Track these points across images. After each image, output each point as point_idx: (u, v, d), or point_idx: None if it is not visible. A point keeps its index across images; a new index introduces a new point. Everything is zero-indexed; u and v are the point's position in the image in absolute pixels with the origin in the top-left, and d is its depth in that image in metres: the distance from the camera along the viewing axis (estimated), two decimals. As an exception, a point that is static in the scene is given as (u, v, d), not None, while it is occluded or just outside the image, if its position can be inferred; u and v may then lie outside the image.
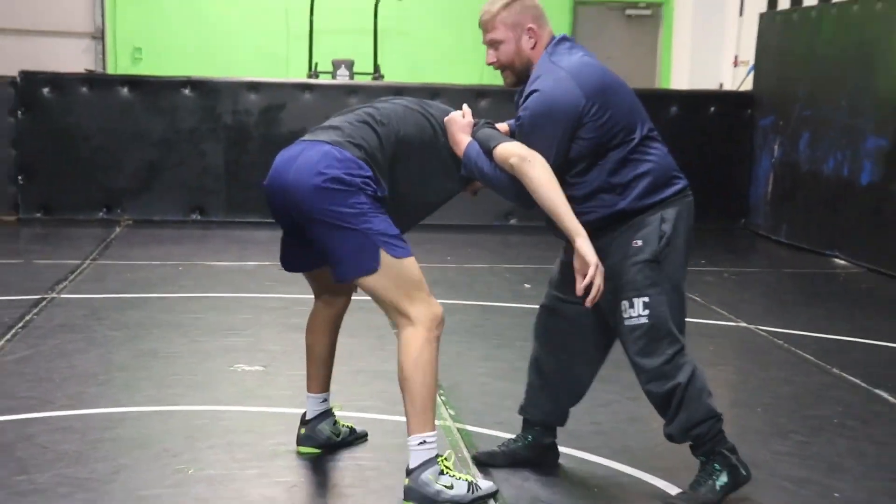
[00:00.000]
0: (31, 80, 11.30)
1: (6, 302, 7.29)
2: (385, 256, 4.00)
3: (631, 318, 4.08)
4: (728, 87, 13.87)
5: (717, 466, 4.15)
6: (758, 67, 12.12)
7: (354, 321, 7.07)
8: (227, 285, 8.30)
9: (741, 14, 13.86)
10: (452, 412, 5.16)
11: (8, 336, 6.43)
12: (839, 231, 10.20)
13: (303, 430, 4.63)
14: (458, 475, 4.08)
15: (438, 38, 15.20)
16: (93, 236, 10.28)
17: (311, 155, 4.05)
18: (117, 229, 10.90)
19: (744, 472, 4.19)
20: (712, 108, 12.13)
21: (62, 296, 7.58)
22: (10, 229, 10.75)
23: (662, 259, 4.06)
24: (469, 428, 4.94)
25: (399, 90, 12.04)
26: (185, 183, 11.56)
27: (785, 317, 7.63)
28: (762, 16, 12.20)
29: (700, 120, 12.03)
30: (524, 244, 10.76)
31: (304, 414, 4.65)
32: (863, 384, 5.94)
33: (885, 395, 5.76)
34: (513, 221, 11.84)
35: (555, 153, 4.02)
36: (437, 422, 4.76)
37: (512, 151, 4.04)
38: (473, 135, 4.24)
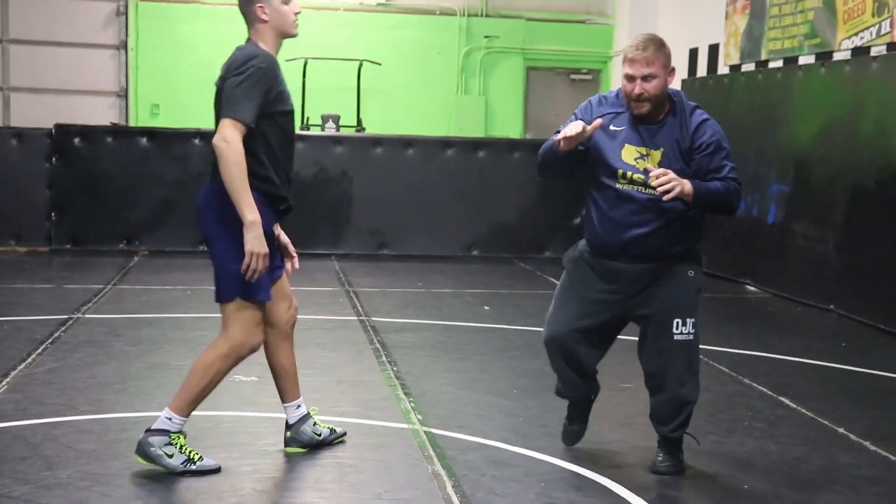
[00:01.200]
0: (64, 132, 11.22)
1: (38, 321, 7.19)
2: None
3: (682, 333, 4.23)
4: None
5: (681, 448, 4.41)
6: (681, 124, 12.16)
7: (336, 338, 7.07)
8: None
9: (667, 79, 13.93)
10: (420, 417, 5.11)
11: (39, 350, 6.34)
12: (750, 262, 10.24)
13: (288, 434, 4.57)
14: (183, 452, 4.15)
15: (412, 97, 15.22)
16: (114, 264, 10.18)
17: None
18: (135, 258, 10.81)
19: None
20: (643, 158, 12.16)
21: (86, 315, 7.49)
22: (44, 258, 10.64)
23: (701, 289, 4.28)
24: (434, 431, 4.89)
25: (378, 140, 12.05)
26: (193, 219, 11.43)
27: (704, 335, 7.58)
28: (683, 81, 12.29)
29: (632, 168, 12.05)
30: (483, 272, 10.75)
31: (287, 420, 4.58)
32: (769, 392, 5.94)
33: (787, 401, 5.76)
34: (475, 252, 11.85)
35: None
36: (406, 426, 4.73)
37: (222, 131, 4.03)
38: None
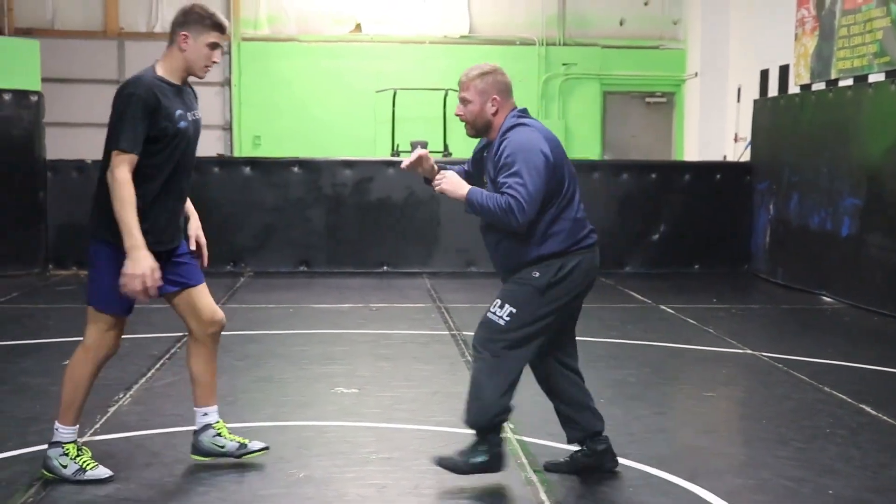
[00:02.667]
0: (174, 163, 11.49)
1: (155, 338, 7.35)
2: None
3: (493, 313, 4.11)
4: (730, 158, 13.71)
5: (481, 447, 4.11)
6: (754, 142, 11.98)
7: (430, 352, 7.08)
8: (328, 323, 8.31)
9: (739, 100, 13.74)
10: (512, 426, 5.08)
11: (157, 365, 6.48)
12: (825, 274, 9.99)
13: (192, 441, 4.46)
14: (76, 461, 4.17)
15: (495, 123, 15.22)
16: (222, 286, 10.36)
17: None
18: (241, 279, 10.99)
19: (499, 464, 4.12)
20: (718, 176, 11.98)
21: (199, 333, 7.61)
22: (158, 280, 10.86)
23: (546, 291, 4.03)
24: (526, 439, 4.87)
25: (462, 163, 12.07)
26: (293, 241, 11.64)
27: (783, 345, 7.46)
28: (756, 101, 12.08)
29: (708, 185, 11.88)
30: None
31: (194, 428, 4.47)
32: (849, 400, 5.78)
33: (867, 409, 5.59)
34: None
35: (541, 182, 3.97)
36: (502, 435, 4.73)
37: (111, 164, 4.04)
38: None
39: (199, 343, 4.38)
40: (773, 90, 12.38)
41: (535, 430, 4.99)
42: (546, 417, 5.25)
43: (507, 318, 4.08)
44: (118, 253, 4.04)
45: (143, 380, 6.06)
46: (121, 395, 5.63)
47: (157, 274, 4.02)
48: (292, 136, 14.96)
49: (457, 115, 4.22)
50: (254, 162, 11.86)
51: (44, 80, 11.65)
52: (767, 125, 11.44)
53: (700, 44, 14.69)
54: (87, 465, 4.20)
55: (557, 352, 4.29)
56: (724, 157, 13.95)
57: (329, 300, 9.62)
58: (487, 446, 4.10)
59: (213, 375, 4.43)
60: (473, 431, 4.16)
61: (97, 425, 5.01)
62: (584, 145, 15.47)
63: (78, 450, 4.22)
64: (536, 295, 4.07)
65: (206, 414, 4.43)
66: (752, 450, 4.40)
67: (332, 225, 11.67)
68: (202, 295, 4.38)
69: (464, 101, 4.17)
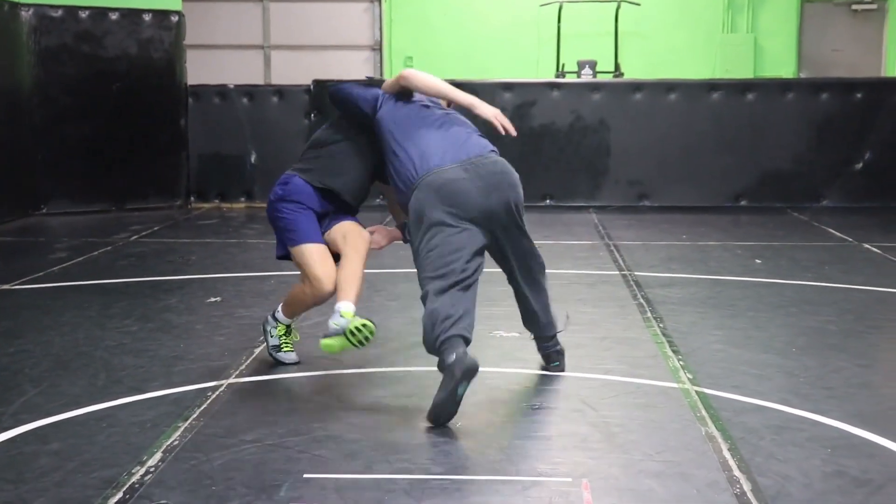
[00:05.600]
0: (322, 87, 11.69)
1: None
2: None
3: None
4: (951, 74, 12.96)
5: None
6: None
7: (598, 293, 7.03)
8: (487, 261, 8.30)
9: (964, 5, 12.91)
10: (690, 376, 5.01)
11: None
12: None
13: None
14: (281, 338, 5.25)
15: (673, 38, 14.83)
16: (372, 220, 10.50)
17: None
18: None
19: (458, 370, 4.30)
20: (935, 94, 11.35)
21: (347, 270, 7.78)
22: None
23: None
24: (706, 391, 4.78)
25: (637, 85, 11.83)
26: (449, 172, 11.70)
27: None
28: None
29: (923, 106, 11.27)
30: (753, 223, 10.40)
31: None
32: None
33: None
34: (743, 202, 11.51)
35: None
36: (675, 385, 4.66)
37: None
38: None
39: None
40: None
41: (716, 382, 4.90)
42: (729, 367, 5.16)
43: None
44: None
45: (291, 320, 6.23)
46: (267, 335, 5.81)
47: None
48: (447, 56, 14.97)
49: None
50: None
51: (184, -2, 12.03)
52: None
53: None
54: (285, 346, 5.22)
55: (506, 275, 5.07)
56: (944, 72, 13.19)
57: (487, 236, 9.65)
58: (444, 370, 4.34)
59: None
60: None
61: (242, 366, 5.21)
62: (777, 62, 14.89)
63: (287, 331, 5.23)
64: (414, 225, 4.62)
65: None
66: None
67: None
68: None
69: None
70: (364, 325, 4.71)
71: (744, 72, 14.57)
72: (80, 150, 11.18)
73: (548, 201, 11.67)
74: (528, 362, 5.28)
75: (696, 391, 4.77)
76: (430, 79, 4.93)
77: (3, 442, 4.14)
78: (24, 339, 5.79)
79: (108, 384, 4.92)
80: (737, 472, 3.79)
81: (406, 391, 4.85)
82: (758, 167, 11.50)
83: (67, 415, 4.44)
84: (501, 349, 5.60)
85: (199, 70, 12.94)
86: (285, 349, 5.25)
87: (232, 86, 12.06)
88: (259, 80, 14.56)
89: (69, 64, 11.09)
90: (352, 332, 4.69)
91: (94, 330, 6.03)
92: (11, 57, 10.70)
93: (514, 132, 5.04)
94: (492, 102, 11.69)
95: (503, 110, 11.62)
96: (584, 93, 11.80)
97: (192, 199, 11.97)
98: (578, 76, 13.05)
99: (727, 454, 3.99)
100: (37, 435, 4.21)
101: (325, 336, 4.78)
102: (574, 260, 8.34)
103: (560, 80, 12.48)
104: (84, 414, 4.46)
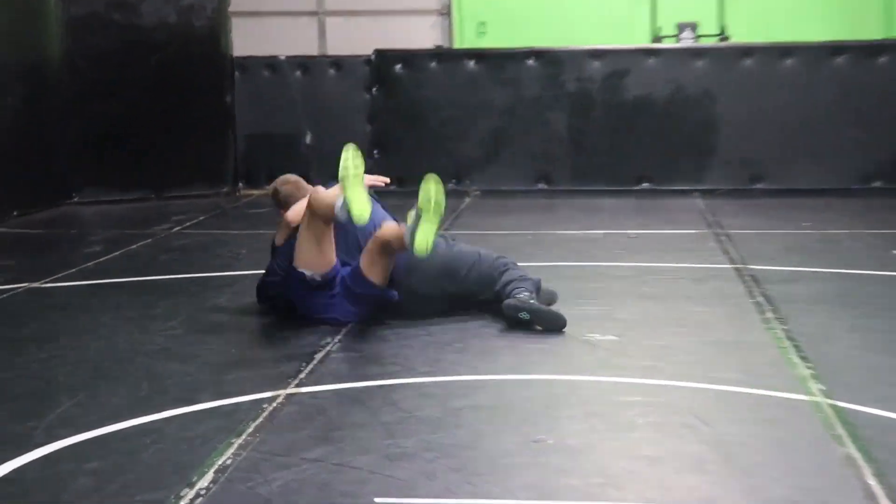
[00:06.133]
0: (384, 58, 11.73)
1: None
2: None
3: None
4: None
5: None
6: None
7: (707, 290, 6.93)
8: (577, 254, 8.29)
9: None
10: (822, 387, 4.86)
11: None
12: None
13: None
14: None
15: (787, -5, 14.59)
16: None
17: None
18: (466, 199, 11.12)
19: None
20: None
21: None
22: (366, 201, 11.16)
23: None
24: (842, 404, 4.63)
25: (747, 50, 11.65)
26: (530, 152, 11.66)
27: None
28: None
29: None
30: (888, 208, 10.23)
31: None
32: None
33: None
34: (877, 184, 11.28)
35: None
36: (804, 397, 4.56)
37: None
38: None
39: None
40: None
41: (853, 394, 4.76)
42: (869, 377, 5.03)
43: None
44: None
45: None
46: (328, 340, 5.81)
47: None
48: (525, 20, 14.83)
49: None
50: (479, 54, 11.93)
51: (229, -40, 12.11)
52: None
53: None
54: None
55: None
56: None
57: (575, 225, 9.62)
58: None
59: None
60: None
61: (302, 374, 5.20)
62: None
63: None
64: None
65: None
66: None
67: (577, 131, 11.60)
68: None
69: None
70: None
71: (873, 31, 14.24)
72: (115, 130, 11.32)
73: (645, 185, 11.56)
74: (630, 370, 5.20)
75: (830, 405, 4.64)
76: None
77: (36, 460, 4.16)
78: (56, 344, 5.85)
79: (152, 394, 4.94)
80: (885, 503, 3.67)
81: (487, 401, 4.79)
82: (893, 142, 11.27)
83: (107, 429, 4.46)
84: (596, 355, 5.53)
85: (247, 40, 13.00)
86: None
87: (283, 57, 12.13)
88: (313, 51, 14.56)
89: (101, 34, 11.23)
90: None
91: (134, 333, 6.08)
92: (37, 27, 10.85)
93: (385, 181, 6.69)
94: (578, 72, 11.75)
95: (591, 80, 11.65)
96: (685, 60, 11.68)
97: (241, 184, 12.06)
98: (678, 41, 12.85)
99: (871, 480, 3.85)
100: (73, 452, 4.23)
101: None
102: (678, 252, 8.26)
103: (657, 45, 12.34)
104: (126, 428, 4.48)
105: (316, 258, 5.91)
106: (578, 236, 9.08)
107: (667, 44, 12.65)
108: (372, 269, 5.97)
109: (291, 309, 6.16)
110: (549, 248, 8.57)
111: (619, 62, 11.67)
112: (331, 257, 5.96)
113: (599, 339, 5.78)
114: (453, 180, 11.58)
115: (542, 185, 11.65)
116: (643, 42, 13.41)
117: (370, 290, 6.00)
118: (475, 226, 9.57)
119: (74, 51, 11.12)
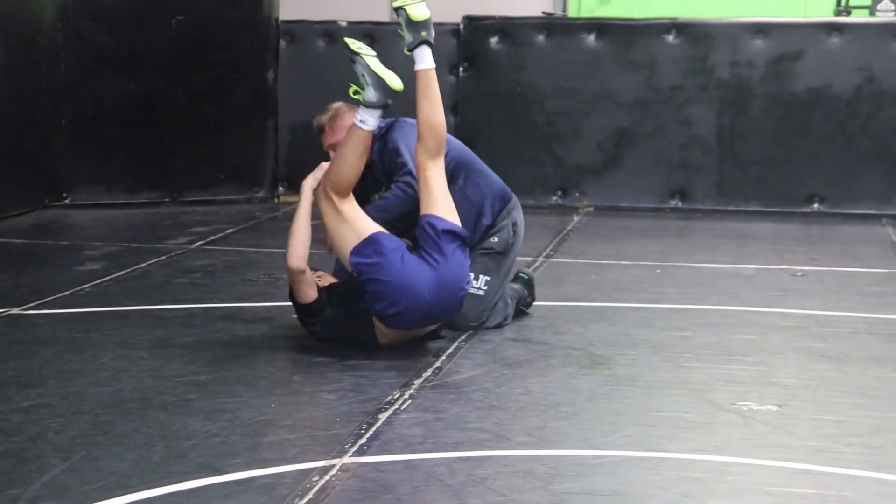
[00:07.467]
0: (476, 28, 11.75)
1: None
2: None
3: (475, 287, 7.01)
4: None
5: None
6: None
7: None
8: (722, 294, 8.28)
9: None
10: None
11: (450, 349, 6.70)
12: None
13: None
14: None
15: None
16: (546, 226, 10.57)
17: None
18: (576, 218, 11.16)
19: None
20: None
21: (513, 302, 7.81)
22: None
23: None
24: None
25: None
26: (663, 159, 11.66)
27: None
28: None
29: None
30: None
31: None
32: None
33: None
34: None
35: None
36: None
37: None
38: None
39: None
40: None
41: None
42: None
43: (486, 287, 7.12)
44: None
45: (429, 372, 6.30)
46: (396, 395, 5.88)
47: None
48: (665, -16, 14.93)
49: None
50: (601, 25, 11.96)
51: None
52: None
53: None
54: None
55: None
56: None
57: (721, 256, 9.62)
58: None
59: None
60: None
61: (363, 439, 5.25)
62: None
63: None
64: (500, 257, 7.25)
65: None
66: None
67: (729, 131, 11.59)
68: None
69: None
70: None
71: None
72: (122, 114, 11.45)
73: (816, 206, 11.51)
74: (795, 452, 5.20)
75: None
76: None
77: (19, 537, 4.26)
78: (43, 390, 5.91)
79: (169, 459, 5.00)
80: None
81: (604, 486, 4.80)
82: None
83: (110, 502, 4.52)
84: (750, 430, 5.53)
85: (296, 0, 13.16)
86: None
87: (344, 23, 12.20)
88: (383, 16, 14.71)
89: (108, -11, 11.37)
90: None
91: (144, 378, 6.14)
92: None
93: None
94: (733, 54, 11.79)
95: (750, 64, 11.63)
96: (882, 39, 11.60)
97: (281, 189, 12.17)
98: (872, 13, 12.78)
99: None
100: (66, 531, 4.32)
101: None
102: (859, 297, 8.24)
103: (842, 19, 12.28)
104: (135, 502, 4.54)
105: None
106: (724, 272, 9.06)
107: (856, 17, 12.58)
108: (433, 202, 6.59)
109: (356, 341, 6.46)
110: (683, 285, 8.57)
111: (790, 41, 11.63)
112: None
113: (754, 409, 5.78)
114: (559, 192, 11.66)
115: (676, 203, 11.65)
116: (823, 15, 13.36)
117: (453, 227, 6.50)
118: (587, 253, 9.60)
119: (74, 9, 11.20)
